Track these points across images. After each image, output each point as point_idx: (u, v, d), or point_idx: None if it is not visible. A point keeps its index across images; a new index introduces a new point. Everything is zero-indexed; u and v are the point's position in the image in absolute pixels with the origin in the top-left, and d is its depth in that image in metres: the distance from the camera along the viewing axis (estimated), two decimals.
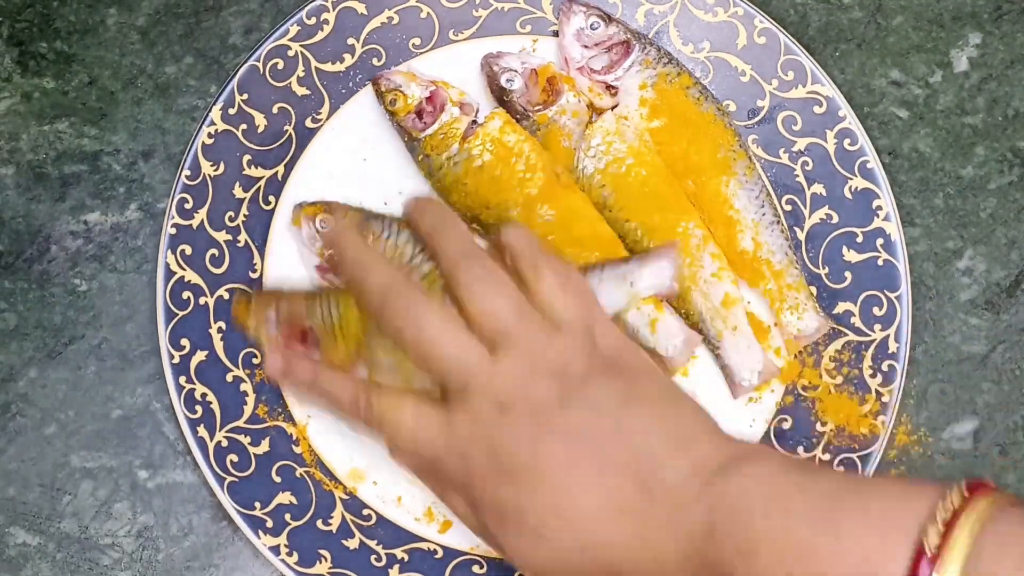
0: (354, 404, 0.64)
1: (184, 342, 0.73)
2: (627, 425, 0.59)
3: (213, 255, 0.75)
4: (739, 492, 0.55)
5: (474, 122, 0.76)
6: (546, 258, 0.65)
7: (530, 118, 0.76)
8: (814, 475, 0.55)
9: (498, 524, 0.60)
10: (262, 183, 0.77)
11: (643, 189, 0.75)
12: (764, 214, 0.76)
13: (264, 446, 0.73)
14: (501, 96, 0.77)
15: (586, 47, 0.77)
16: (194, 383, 0.73)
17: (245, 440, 0.73)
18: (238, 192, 0.76)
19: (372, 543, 0.72)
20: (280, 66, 0.78)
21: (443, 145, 0.75)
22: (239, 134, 0.76)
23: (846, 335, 0.76)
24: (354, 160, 0.78)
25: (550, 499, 0.58)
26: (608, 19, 0.77)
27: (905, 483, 0.53)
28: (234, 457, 0.72)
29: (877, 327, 0.75)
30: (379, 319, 0.64)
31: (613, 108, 0.77)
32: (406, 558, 0.72)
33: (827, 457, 0.73)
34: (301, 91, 0.78)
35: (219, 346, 0.74)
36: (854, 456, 0.73)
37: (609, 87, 0.77)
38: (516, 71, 0.77)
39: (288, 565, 0.70)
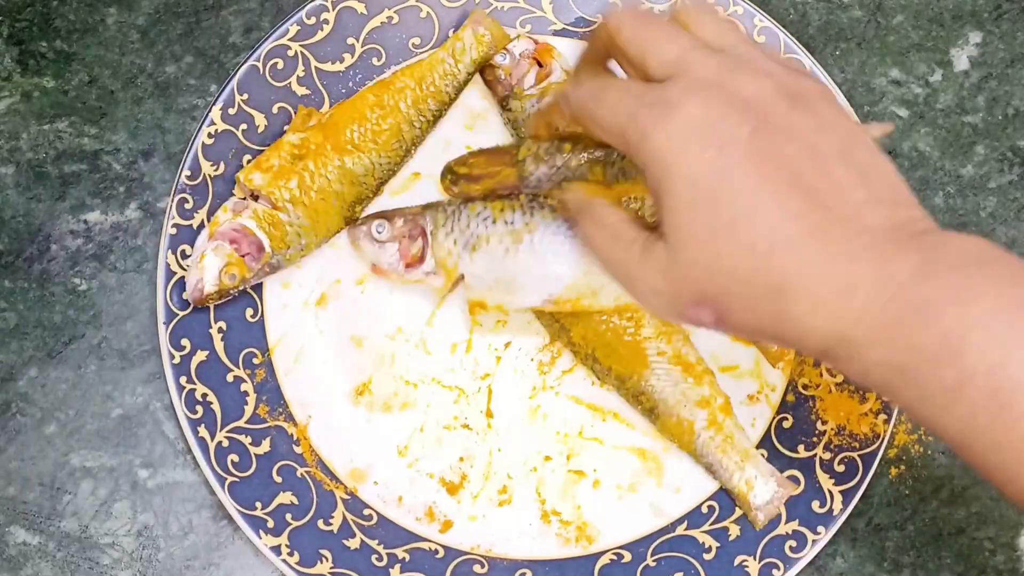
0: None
1: (184, 342, 0.73)
2: (833, 162, 0.54)
3: None
4: (959, 249, 0.51)
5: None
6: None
7: (519, 95, 0.78)
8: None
9: (684, 202, 0.54)
10: None
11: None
12: None
13: (265, 446, 0.73)
14: (488, 72, 0.80)
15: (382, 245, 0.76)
16: (195, 383, 0.73)
17: (246, 440, 0.73)
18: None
19: (373, 543, 0.72)
20: (280, 66, 0.78)
21: None
22: (239, 134, 0.76)
23: None
24: None
25: (743, 203, 0.53)
26: (390, 219, 0.76)
27: None
28: (235, 457, 0.72)
29: None
30: (606, 31, 0.61)
31: None
32: (407, 558, 0.72)
33: (828, 456, 0.73)
34: (301, 91, 0.78)
35: (219, 346, 0.74)
36: (855, 455, 0.73)
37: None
38: (507, 49, 0.79)
39: (289, 565, 0.70)
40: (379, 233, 0.74)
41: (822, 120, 0.55)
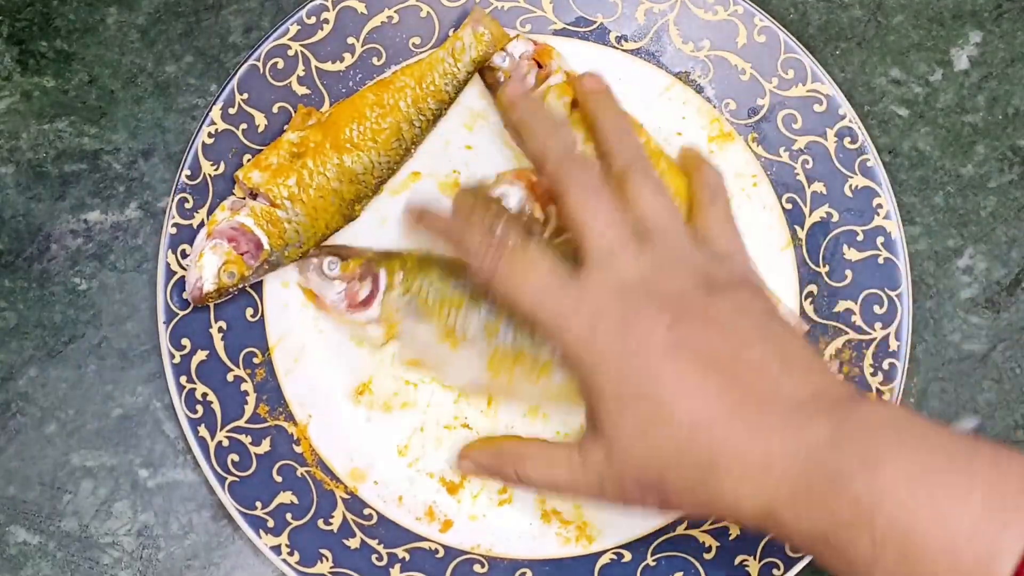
0: (481, 251, 0.64)
1: (185, 342, 0.73)
2: (749, 342, 0.58)
3: None
4: (869, 415, 0.53)
5: None
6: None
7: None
8: (944, 427, 0.53)
9: (612, 398, 0.58)
10: None
11: None
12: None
13: (265, 446, 0.73)
14: (489, 75, 0.79)
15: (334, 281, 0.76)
16: (195, 383, 0.73)
17: (246, 440, 0.73)
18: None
19: (373, 543, 0.72)
20: (280, 65, 0.78)
21: None
22: (239, 134, 0.76)
23: (847, 333, 0.76)
24: None
25: (666, 391, 0.57)
26: (343, 257, 0.76)
27: None
28: (235, 457, 0.72)
29: (878, 325, 0.75)
30: (555, 180, 0.65)
31: None
32: (407, 557, 0.72)
33: None
34: (301, 90, 0.78)
35: (219, 346, 0.74)
36: None
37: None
38: (507, 51, 0.78)
39: (289, 565, 0.70)
40: (331, 270, 0.74)
41: (739, 303, 0.60)
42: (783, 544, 0.71)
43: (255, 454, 0.72)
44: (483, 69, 0.79)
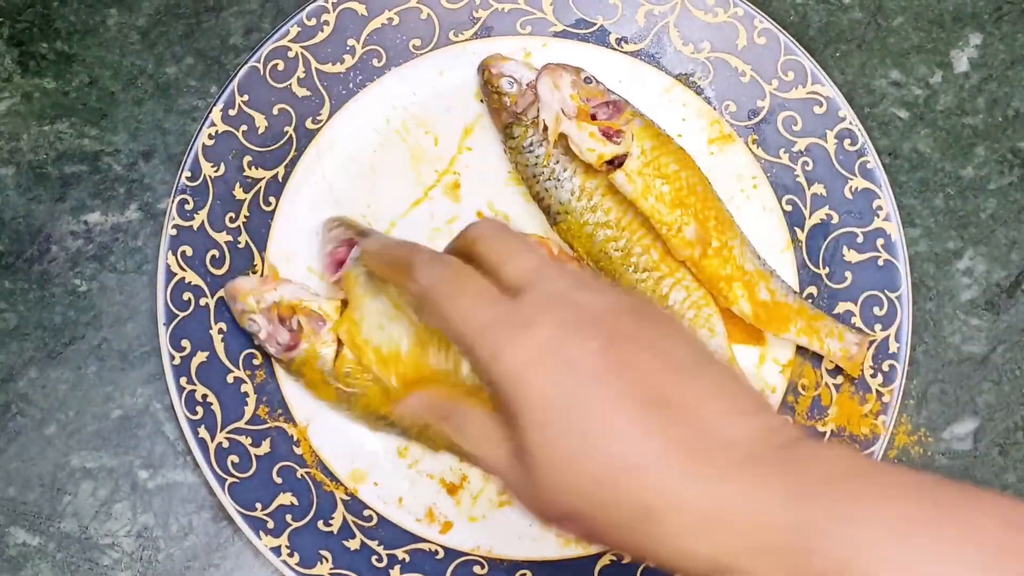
0: (413, 264, 0.59)
1: (185, 343, 0.73)
2: (688, 372, 0.52)
3: (213, 256, 0.75)
4: (825, 462, 0.49)
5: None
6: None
7: (523, 123, 0.77)
8: (901, 468, 0.49)
9: (536, 426, 0.52)
10: (262, 184, 0.77)
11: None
12: (764, 263, 0.76)
13: (265, 447, 0.73)
14: (495, 99, 0.78)
15: (585, 100, 0.76)
16: (195, 384, 0.73)
17: (246, 441, 0.73)
18: (238, 193, 0.76)
19: (373, 544, 0.72)
20: (280, 67, 0.78)
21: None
22: (239, 135, 0.76)
23: None
24: (354, 161, 0.79)
25: (597, 418, 0.50)
26: (595, 79, 0.77)
27: (1010, 502, 0.46)
28: (235, 458, 0.72)
29: (878, 327, 0.75)
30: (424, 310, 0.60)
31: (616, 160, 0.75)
32: (407, 559, 0.72)
33: None
34: (301, 92, 0.78)
35: (220, 347, 0.74)
36: None
37: (611, 136, 0.76)
38: (514, 78, 0.77)
39: (289, 566, 0.70)
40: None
41: (669, 330, 0.54)
42: None
43: (255, 455, 0.72)
44: (488, 92, 0.78)
